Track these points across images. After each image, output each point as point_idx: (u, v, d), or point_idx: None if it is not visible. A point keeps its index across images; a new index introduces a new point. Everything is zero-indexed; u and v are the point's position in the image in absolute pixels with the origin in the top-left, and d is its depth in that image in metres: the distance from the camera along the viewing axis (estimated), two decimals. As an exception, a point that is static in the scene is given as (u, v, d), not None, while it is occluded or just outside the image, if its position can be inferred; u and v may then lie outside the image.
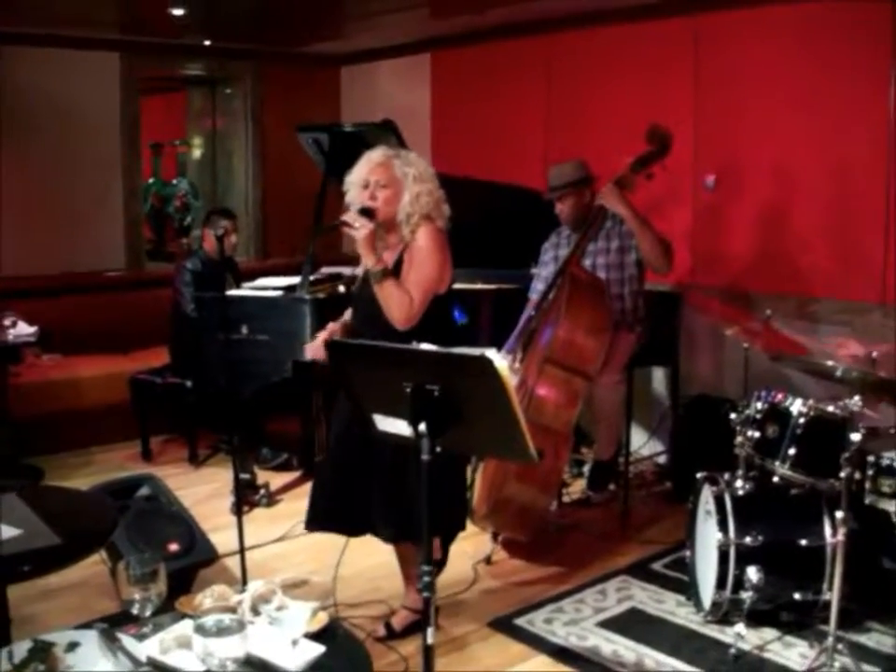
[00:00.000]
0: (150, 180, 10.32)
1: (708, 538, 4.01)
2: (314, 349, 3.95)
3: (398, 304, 3.57)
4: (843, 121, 5.31)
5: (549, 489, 4.68)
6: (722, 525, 3.87)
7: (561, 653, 3.83)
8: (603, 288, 4.93)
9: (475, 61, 7.46)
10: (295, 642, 2.26)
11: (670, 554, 4.76)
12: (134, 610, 2.39)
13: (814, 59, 5.41)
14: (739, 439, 4.08)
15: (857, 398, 3.53)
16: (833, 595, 3.53)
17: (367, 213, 3.61)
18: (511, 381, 2.25)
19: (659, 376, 6.32)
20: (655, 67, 6.17)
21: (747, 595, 3.80)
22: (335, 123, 7.23)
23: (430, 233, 3.68)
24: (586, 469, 5.74)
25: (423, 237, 3.66)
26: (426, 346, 2.43)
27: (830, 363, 3.62)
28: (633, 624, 4.06)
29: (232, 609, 2.22)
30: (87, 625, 2.47)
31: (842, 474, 3.47)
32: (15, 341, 5.79)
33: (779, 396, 3.95)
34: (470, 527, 4.28)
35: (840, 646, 3.51)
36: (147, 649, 2.31)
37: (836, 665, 3.48)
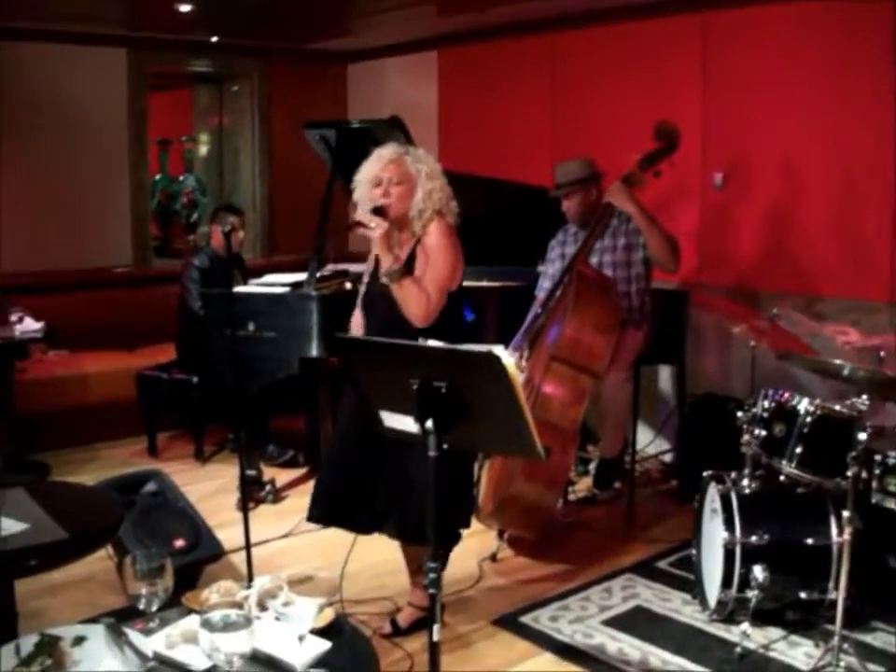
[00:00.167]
0: (157, 177, 10.31)
1: (714, 536, 4.00)
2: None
3: (416, 302, 3.56)
4: (851, 120, 5.30)
5: (555, 487, 4.68)
6: (728, 524, 3.87)
7: (566, 651, 3.83)
8: (610, 286, 4.93)
9: (482, 58, 7.46)
10: (301, 638, 2.26)
11: (676, 553, 4.75)
12: (141, 605, 2.39)
13: (822, 57, 5.40)
14: (746, 437, 4.07)
15: (864, 396, 3.52)
16: (838, 595, 3.53)
17: (379, 212, 3.60)
18: (519, 378, 2.25)
19: (665, 374, 6.31)
20: (663, 65, 6.17)
21: (752, 594, 3.79)
22: (342, 120, 7.24)
23: (443, 230, 3.68)
24: (592, 467, 5.73)
25: (435, 233, 3.67)
26: (433, 343, 2.43)
27: (837, 362, 3.62)
28: (638, 623, 4.05)
29: (239, 605, 2.23)
30: (93, 620, 2.47)
31: (849, 473, 3.47)
32: (21, 336, 5.80)
33: (786, 394, 3.94)
34: (476, 525, 4.28)
35: (846, 645, 3.51)
36: (153, 643, 2.32)
37: (842, 664, 3.48)
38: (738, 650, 3.72)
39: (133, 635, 2.34)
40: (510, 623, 4.06)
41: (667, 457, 6.22)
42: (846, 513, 3.49)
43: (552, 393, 4.56)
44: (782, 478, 3.98)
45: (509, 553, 4.79)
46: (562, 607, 4.21)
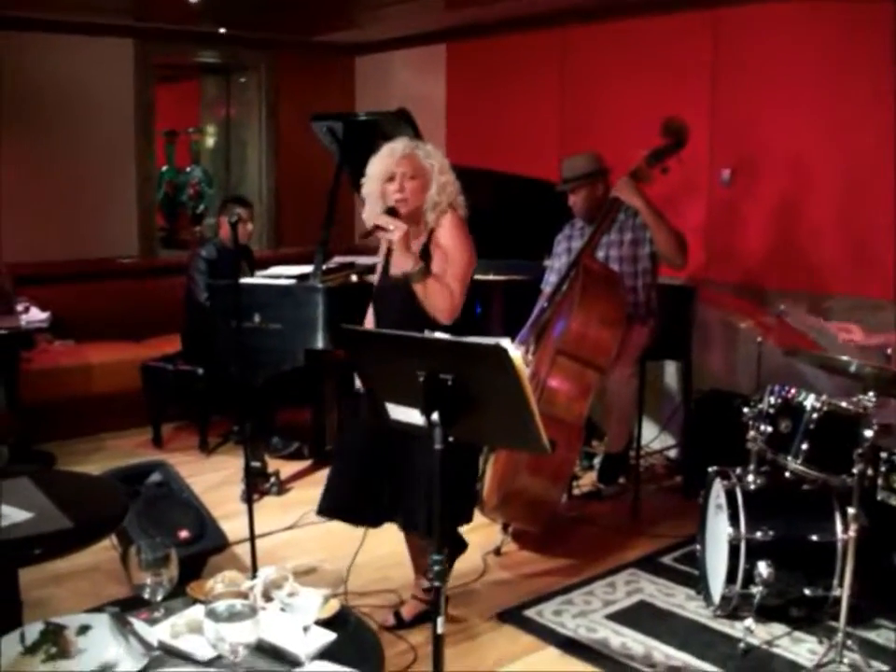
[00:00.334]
0: (164, 168, 10.31)
1: (719, 532, 4.00)
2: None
3: (441, 299, 3.57)
4: (858, 118, 5.29)
5: (560, 481, 4.68)
6: (733, 520, 3.87)
7: (570, 645, 3.83)
8: (617, 281, 4.92)
9: (490, 52, 7.45)
10: (306, 629, 2.26)
11: (680, 548, 4.76)
12: (146, 595, 2.39)
13: (831, 54, 5.38)
14: (751, 433, 4.07)
15: (871, 393, 3.52)
16: (843, 592, 3.54)
17: (392, 212, 3.60)
18: (526, 371, 2.25)
19: (671, 370, 6.31)
20: (672, 61, 6.15)
21: (757, 590, 3.80)
22: (350, 112, 7.23)
23: (456, 223, 3.69)
24: (597, 461, 5.74)
25: (450, 228, 3.67)
26: (439, 335, 2.43)
27: (844, 358, 3.61)
28: (642, 617, 4.06)
29: (244, 595, 2.22)
30: (98, 609, 2.47)
31: (854, 470, 3.46)
32: (27, 326, 5.81)
33: (792, 391, 3.94)
34: (480, 518, 4.29)
35: (849, 642, 3.52)
36: (158, 633, 2.32)
37: (845, 661, 3.48)
38: (742, 645, 3.73)
39: (138, 624, 2.34)
40: (513, 616, 4.07)
41: (672, 453, 6.22)
42: (851, 510, 3.49)
43: (557, 387, 4.56)
44: (788, 474, 3.99)
45: (513, 547, 4.80)
46: (566, 601, 4.22)
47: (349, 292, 5.52)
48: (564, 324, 4.66)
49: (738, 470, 4.08)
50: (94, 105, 7.35)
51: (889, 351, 3.92)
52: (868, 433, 3.43)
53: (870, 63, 5.19)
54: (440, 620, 2.36)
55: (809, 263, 5.61)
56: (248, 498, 4.01)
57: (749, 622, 3.76)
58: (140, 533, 3.86)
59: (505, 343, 2.18)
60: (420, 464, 3.52)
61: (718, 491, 4.08)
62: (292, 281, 5.47)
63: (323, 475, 5.76)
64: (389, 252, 3.80)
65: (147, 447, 6.34)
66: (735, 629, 3.88)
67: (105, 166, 7.48)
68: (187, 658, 2.25)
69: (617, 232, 5.22)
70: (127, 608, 2.44)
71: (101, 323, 6.96)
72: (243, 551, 4.28)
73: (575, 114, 6.83)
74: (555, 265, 5.42)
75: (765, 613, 3.90)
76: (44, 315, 5.90)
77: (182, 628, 2.32)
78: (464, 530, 3.91)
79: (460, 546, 4.09)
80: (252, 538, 3.90)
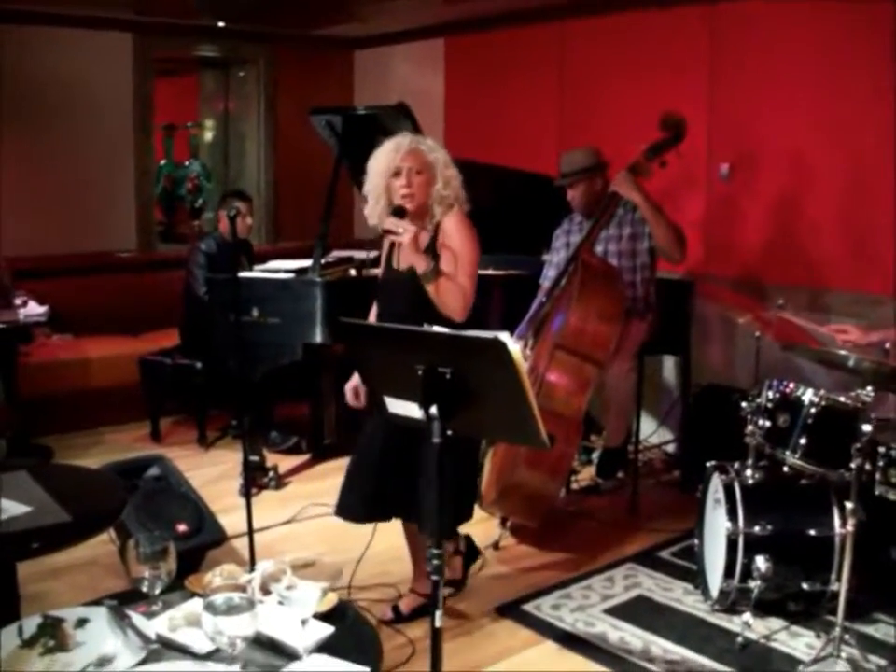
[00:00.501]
0: (162, 162, 10.31)
1: (717, 526, 4.00)
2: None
3: (454, 297, 3.57)
4: (858, 112, 5.28)
5: (558, 476, 4.67)
6: (731, 514, 3.87)
7: (568, 639, 3.83)
8: (615, 276, 4.91)
9: (489, 46, 7.44)
10: (304, 622, 2.26)
11: (678, 543, 4.76)
12: (144, 588, 2.39)
13: (829, 49, 5.38)
14: (750, 428, 4.07)
15: (869, 388, 3.52)
16: (840, 586, 3.53)
17: (400, 212, 3.59)
18: (524, 365, 2.25)
19: (670, 365, 6.31)
20: (670, 55, 6.15)
21: (755, 585, 3.80)
22: (349, 106, 7.22)
23: (462, 219, 3.70)
24: (595, 456, 5.74)
25: (456, 224, 3.68)
26: (438, 329, 2.43)
27: (842, 353, 3.61)
28: (640, 612, 4.06)
29: (242, 588, 2.22)
30: (96, 603, 2.47)
31: (852, 465, 3.46)
32: (25, 320, 5.81)
33: (791, 385, 3.94)
34: (479, 513, 4.28)
35: (847, 636, 3.51)
36: (156, 626, 2.31)
37: (843, 655, 3.48)
38: (740, 640, 3.73)
39: (136, 617, 2.34)
40: (512, 610, 4.07)
41: (671, 447, 6.22)
42: (849, 505, 3.48)
43: (556, 381, 4.56)
44: (786, 469, 3.99)
45: (511, 542, 4.80)
46: (564, 595, 4.22)
47: (348, 286, 5.53)
48: (562, 318, 4.66)
49: (736, 465, 4.08)
50: (93, 99, 7.34)
51: (888, 346, 3.92)
52: (866, 428, 3.42)
53: (869, 58, 5.19)
54: (438, 614, 2.36)
55: (808, 258, 5.61)
56: (247, 492, 4.01)
57: (747, 616, 3.76)
58: (138, 527, 3.86)
59: (503, 336, 2.18)
60: (423, 458, 3.53)
61: (716, 485, 4.08)
62: (291, 275, 5.47)
63: (322, 469, 5.86)
64: (392, 244, 3.80)
65: (145, 441, 6.34)
66: (733, 623, 3.89)
67: (103, 160, 7.47)
68: (185, 651, 2.24)
69: (616, 227, 5.22)
70: (125, 601, 2.44)
71: (99, 317, 6.95)
72: (241, 545, 4.28)
73: (573, 108, 6.82)
74: (554, 260, 5.42)
75: (763, 608, 3.90)
76: (42, 309, 5.90)
77: (180, 621, 2.32)
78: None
79: (474, 555, 4.10)
80: (250, 531, 3.90)
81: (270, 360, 5.41)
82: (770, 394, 4.00)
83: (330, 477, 5.67)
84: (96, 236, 7.44)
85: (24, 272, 6.40)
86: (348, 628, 2.42)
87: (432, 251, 3.63)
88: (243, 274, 5.54)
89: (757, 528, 3.84)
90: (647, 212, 5.02)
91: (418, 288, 3.59)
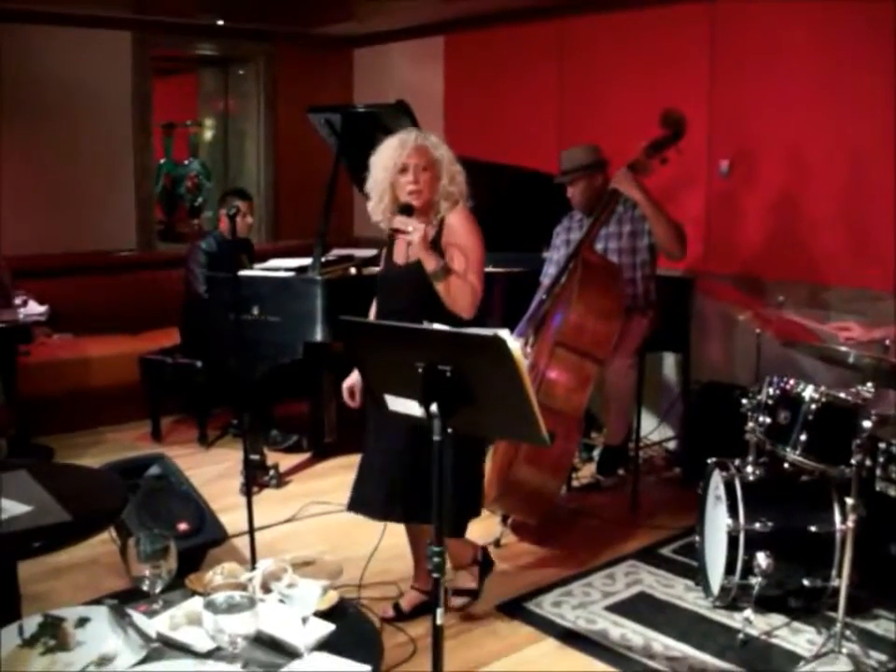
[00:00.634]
0: (162, 161, 10.31)
1: (718, 523, 4.00)
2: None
3: (464, 295, 3.57)
4: (858, 108, 5.27)
5: (559, 473, 4.67)
6: (732, 511, 3.87)
7: (569, 637, 3.83)
8: (616, 273, 4.91)
9: (489, 44, 7.43)
10: (305, 620, 2.26)
11: (679, 539, 4.76)
12: (144, 587, 2.39)
13: (830, 44, 5.37)
14: (750, 424, 4.07)
15: (869, 384, 3.52)
16: (841, 582, 3.54)
17: (408, 210, 3.58)
18: (524, 362, 2.24)
19: (670, 362, 6.30)
20: (670, 53, 6.14)
21: (755, 581, 3.80)
22: (348, 104, 7.22)
23: (467, 216, 3.70)
24: (596, 453, 5.74)
25: (463, 222, 3.67)
26: (438, 326, 2.42)
27: (842, 349, 3.61)
28: (641, 609, 4.06)
29: (243, 587, 2.22)
30: (97, 602, 2.47)
31: (853, 461, 3.46)
32: (25, 320, 5.81)
33: (791, 382, 3.94)
34: (479, 510, 4.27)
35: (848, 632, 3.52)
36: (156, 625, 2.31)
37: (844, 651, 3.48)
38: (741, 636, 3.73)
39: (137, 616, 2.34)
40: (513, 608, 4.07)
41: (671, 444, 6.21)
42: (849, 501, 3.48)
43: (556, 379, 4.56)
44: (786, 465, 3.99)
45: (512, 539, 4.80)
46: (565, 592, 4.22)
47: (348, 285, 5.53)
48: (563, 316, 4.66)
49: (737, 462, 4.08)
50: (92, 97, 7.33)
51: (888, 342, 3.92)
52: (866, 424, 3.42)
53: (869, 55, 5.18)
54: (439, 611, 2.36)
55: (809, 254, 5.61)
56: (247, 491, 4.02)
57: (748, 612, 3.77)
58: (139, 526, 3.85)
59: (503, 333, 2.18)
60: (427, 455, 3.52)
61: (717, 482, 4.08)
62: (291, 273, 5.47)
63: (322, 468, 5.86)
64: (392, 239, 3.80)
65: (145, 440, 6.34)
66: (734, 620, 3.89)
67: (102, 159, 7.47)
68: (185, 650, 2.24)
69: (616, 224, 5.22)
70: (126, 600, 2.44)
71: (99, 316, 6.95)
72: (242, 543, 4.28)
73: (573, 105, 6.82)
74: (554, 257, 5.42)
75: (764, 604, 3.90)
76: (42, 309, 5.89)
77: (181, 620, 2.32)
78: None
79: (489, 566, 4.09)
80: (251, 530, 3.90)
81: (270, 359, 5.41)
82: (770, 390, 4.00)
83: (331, 475, 5.69)
84: (96, 235, 7.44)
85: (24, 271, 6.40)
86: (349, 626, 2.42)
87: (437, 248, 3.63)
88: (243, 273, 5.54)
89: (758, 525, 3.84)
90: (647, 209, 5.02)
91: (419, 284, 3.58)
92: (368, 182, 3.75)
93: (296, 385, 6.13)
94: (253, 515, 3.90)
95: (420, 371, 2.31)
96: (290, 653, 2.24)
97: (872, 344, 3.94)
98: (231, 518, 4.41)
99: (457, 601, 3.98)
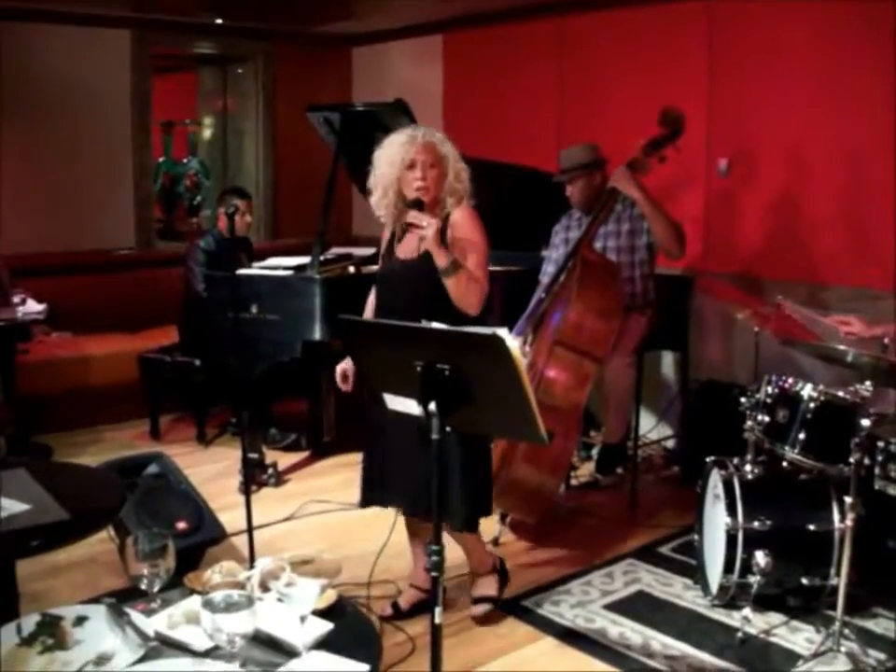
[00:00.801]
0: (161, 159, 10.31)
1: (717, 521, 4.00)
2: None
3: (473, 291, 3.56)
4: (857, 107, 5.27)
5: (558, 471, 4.68)
6: (731, 509, 3.87)
7: (568, 635, 3.83)
8: (615, 272, 4.91)
9: (487, 42, 7.43)
10: (303, 619, 2.26)
11: (678, 538, 4.76)
12: (142, 586, 2.39)
13: (829, 44, 5.37)
14: (749, 423, 4.07)
15: (867, 383, 3.52)
16: (840, 581, 3.53)
17: (418, 205, 3.57)
18: (522, 360, 2.24)
19: (669, 360, 6.30)
20: (669, 51, 6.15)
21: (754, 580, 3.80)
22: (347, 103, 7.22)
23: (471, 213, 3.70)
24: (595, 452, 5.74)
25: (468, 219, 3.67)
26: (436, 325, 2.42)
27: (841, 348, 3.61)
28: (640, 607, 4.06)
29: (241, 585, 2.22)
30: (95, 600, 2.47)
31: (851, 459, 3.46)
32: (24, 318, 5.80)
33: (790, 380, 3.94)
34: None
35: (847, 631, 3.51)
36: (154, 624, 2.31)
37: (843, 649, 3.48)
38: (739, 635, 3.73)
39: (135, 615, 2.34)
40: (511, 606, 4.06)
41: (670, 443, 6.21)
42: (848, 499, 3.49)
43: (555, 377, 4.56)
44: (785, 464, 3.99)
45: (511, 538, 4.79)
46: (564, 591, 4.22)
47: (347, 283, 5.53)
48: (561, 314, 4.66)
49: (736, 460, 4.08)
50: (91, 95, 7.33)
51: (887, 340, 3.92)
52: (865, 422, 3.42)
53: (870, 51, 5.18)
54: (437, 610, 2.36)
55: (808, 254, 5.61)
56: (246, 490, 4.01)
57: (747, 611, 3.77)
58: (137, 525, 3.85)
59: (502, 332, 2.18)
60: (453, 456, 3.56)
61: (715, 481, 4.08)
62: (289, 272, 5.47)
63: (321, 466, 5.86)
64: (393, 234, 3.79)
65: (144, 439, 6.34)
66: (733, 618, 3.89)
67: (101, 157, 7.47)
68: (184, 649, 2.24)
69: (614, 223, 5.22)
70: (124, 599, 2.44)
71: (98, 315, 6.95)
72: (241, 542, 4.28)
73: (572, 104, 6.81)
74: (553, 256, 5.42)
75: (763, 602, 3.90)
76: (40, 307, 5.89)
77: (179, 619, 2.32)
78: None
79: (505, 578, 4.08)
80: (250, 529, 3.90)
81: (269, 357, 5.41)
82: (769, 389, 4.00)
83: (330, 474, 5.69)
84: (94, 234, 7.44)
85: (23, 269, 6.39)
86: (347, 625, 2.42)
87: (443, 244, 3.62)
88: (241, 272, 5.54)
89: (756, 523, 3.84)
90: (645, 208, 5.03)
91: (424, 280, 3.58)
92: (371, 177, 3.73)
93: (295, 383, 6.13)
94: (251, 514, 3.90)
95: (419, 369, 2.31)
96: (289, 652, 2.24)
97: (871, 342, 3.95)
98: (230, 517, 4.41)
99: (479, 609, 3.96)
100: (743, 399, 4.13)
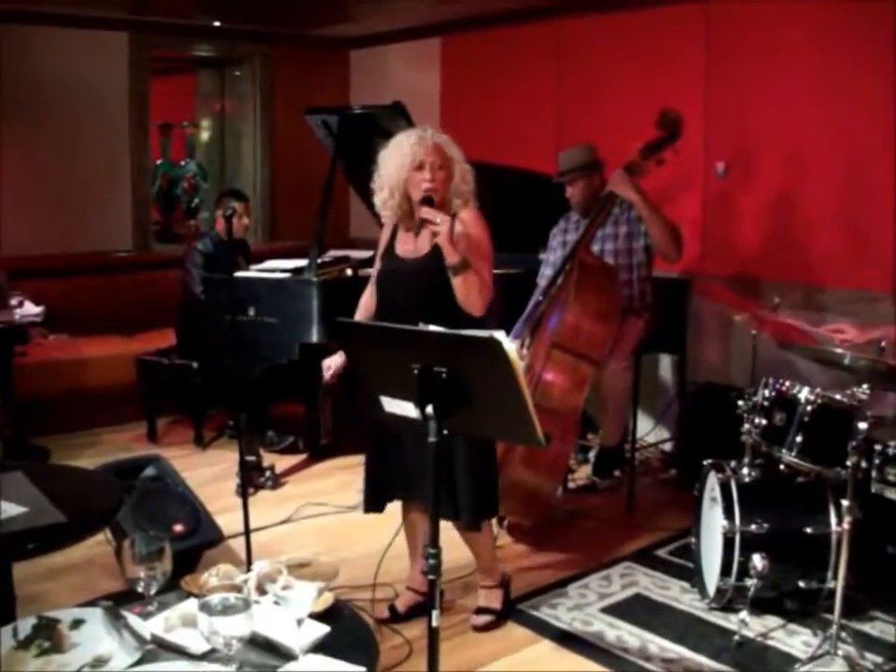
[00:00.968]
0: (158, 161, 10.31)
1: (714, 525, 4.00)
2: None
3: (479, 291, 3.56)
4: (855, 109, 5.28)
5: (555, 475, 4.68)
6: (728, 513, 3.87)
7: (565, 638, 3.83)
8: (612, 274, 4.92)
9: (485, 45, 7.44)
10: (300, 622, 2.26)
11: (675, 541, 4.76)
12: (139, 589, 2.39)
13: (827, 45, 5.37)
14: (746, 426, 4.07)
15: (864, 386, 3.52)
16: (837, 584, 3.53)
17: (430, 202, 3.56)
18: (520, 363, 2.24)
19: (666, 363, 6.31)
20: (667, 53, 6.15)
21: (751, 583, 3.79)
22: (345, 106, 7.22)
23: (477, 214, 3.70)
24: (592, 455, 5.74)
25: (472, 218, 3.67)
26: (433, 328, 2.42)
27: (838, 351, 3.61)
28: (637, 610, 4.06)
29: (238, 589, 2.22)
30: (92, 603, 2.47)
31: (848, 462, 3.46)
32: (21, 321, 5.80)
33: (787, 383, 3.93)
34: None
35: (843, 634, 3.51)
36: (151, 627, 2.31)
37: (840, 653, 3.48)
38: (737, 638, 3.73)
39: (132, 618, 2.34)
40: (508, 609, 4.05)
41: (667, 446, 6.22)
42: (845, 503, 3.48)
43: (552, 380, 4.56)
44: (782, 467, 3.98)
45: (508, 541, 4.79)
46: (561, 594, 4.22)
47: (344, 286, 5.52)
48: (559, 317, 4.66)
49: (733, 463, 4.08)
50: (89, 98, 7.34)
51: (884, 343, 3.92)
52: (862, 426, 3.42)
53: (868, 53, 5.18)
54: (435, 613, 2.36)
55: (805, 256, 5.61)
56: (243, 492, 4.00)
57: (744, 614, 3.76)
58: (134, 527, 3.85)
59: (499, 335, 2.18)
60: (460, 455, 3.57)
61: (712, 484, 4.08)
62: (287, 275, 5.47)
63: (318, 469, 5.86)
64: (395, 233, 3.79)
65: (141, 441, 6.33)
66: (730, 622, 3.88)
67: (99, 159, 7.47)
68: (180, 652, 2.24)
69: (612, 226, 5.22)
70: (121, 601, 2.44)
71: (95, 317, 6.95)
72: (238, 545, 4.26)
73: (570, 107, 6.82)
74: (550, 259, 5.42)
75: (760, 606, 3.90)
76: (38, 310, 5.90)
77: (176, 622, 2.32)
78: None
79: (508, 594, 4.07)
80: (247, 531, 3.89)
81: (266, 360, 5.41)
82: (766, 392, 3.99)
83: (327, 477, 5.69)
84: (92, 236, 7.44)
85: (20, 272, 6.40)
86: (344, 628, 2.42)
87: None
88: (239, 274, 5.54)
89: (753, 526, 3.84)
90: (643, 210, 5.03)
91: (429, 277, 3.58)
92: (376, 178, 3.72)
93: (292, 386, 6.13)
94: (249, 517, 3.89)
95: (416, 372, 2.31)
96: (285, 655, 2.24)
97: (868, 346, 3.95)
98: (227, 519, 4.40)
99: (481, 619, 3.94)
100: (740, 402, 4.12)
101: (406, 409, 2.42)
